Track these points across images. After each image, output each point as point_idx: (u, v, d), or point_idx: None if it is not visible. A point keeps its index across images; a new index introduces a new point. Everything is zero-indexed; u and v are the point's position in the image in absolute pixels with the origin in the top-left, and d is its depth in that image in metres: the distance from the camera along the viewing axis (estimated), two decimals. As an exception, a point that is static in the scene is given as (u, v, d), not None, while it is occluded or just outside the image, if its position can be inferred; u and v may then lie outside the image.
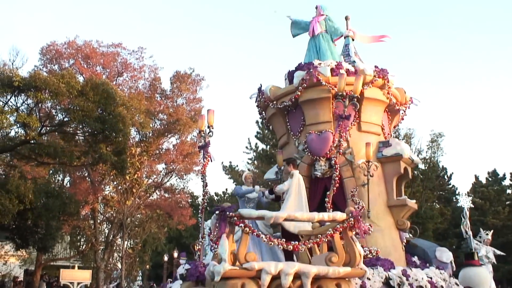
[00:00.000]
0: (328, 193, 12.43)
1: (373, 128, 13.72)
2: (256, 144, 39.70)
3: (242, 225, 8.58)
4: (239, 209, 9.15)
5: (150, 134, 36.40)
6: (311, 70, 13.33)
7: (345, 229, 8.86)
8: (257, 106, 15.50)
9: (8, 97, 24.52)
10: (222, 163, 47.09)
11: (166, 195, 41.14)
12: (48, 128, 26.50)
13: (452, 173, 50.54)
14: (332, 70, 13.44)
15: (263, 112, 15.58)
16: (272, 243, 8.85)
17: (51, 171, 35.83)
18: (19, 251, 34.11)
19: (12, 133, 25.58)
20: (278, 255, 11.68)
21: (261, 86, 14.95)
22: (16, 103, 24.97)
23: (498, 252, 16.63)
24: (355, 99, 12.08)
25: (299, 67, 14.13)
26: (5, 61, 28.90)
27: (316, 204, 12.80)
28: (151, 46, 65.09)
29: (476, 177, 55.32)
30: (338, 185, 12.56)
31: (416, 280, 11.32)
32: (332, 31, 15.06)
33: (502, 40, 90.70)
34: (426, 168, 43.57)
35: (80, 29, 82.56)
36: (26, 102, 25.18)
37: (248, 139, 41.88)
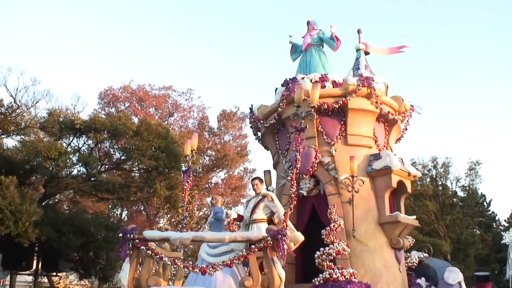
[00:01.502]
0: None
1: (362, 141, 12.43)
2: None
3: (144, 247, 7.95)
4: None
5: (200, 170, 36.97)
6: (290, 85, 12.62)
7: (261, 250, 8.04)
8: (250, 127, 14.86)
9: (71, 139, 26.46)
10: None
11: (216, 226, 41.43)
12: (107, 166, 28.15)
13: (491, 199, 48.59)
14: (315, 82, 12.30)
15: (258, 133, 14.84)
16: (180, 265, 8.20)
17: (110, 206, 37.28)
18: (82, 280, 34.87)
19: (75, 172, 26.90)
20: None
21: (252, 106, 14.26)
22: (78, 144, 26.84)
23: None
24: (312, 110, 10.99)
25: (283, 83, 13.37)
26: (67, 106, 29.66)
27: (305, 224, 12.12)
28: (199, 87, 67.43)
29: (515, 203, 50.59)
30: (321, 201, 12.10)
31: None
32: (328, 42, 14.35)
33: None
34: (465, 195, 43.99)
35: (134, 74, 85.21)
36: (87, 142, 27.00)
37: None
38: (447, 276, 12.30)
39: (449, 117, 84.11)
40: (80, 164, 26.29)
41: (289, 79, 13.05)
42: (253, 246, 7.94)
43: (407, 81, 74.72)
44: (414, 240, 13.19)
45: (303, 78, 12.81)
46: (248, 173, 39.90)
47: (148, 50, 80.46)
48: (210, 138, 38.37)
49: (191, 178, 12.13)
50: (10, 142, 30.01)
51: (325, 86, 12.59)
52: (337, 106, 12.19)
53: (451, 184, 44.67)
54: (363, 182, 11.59)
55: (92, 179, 26.36)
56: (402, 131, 13.85)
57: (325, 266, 10.81)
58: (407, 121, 13.66)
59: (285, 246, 8.12)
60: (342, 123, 12.43)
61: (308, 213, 12.06)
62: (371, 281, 11.07)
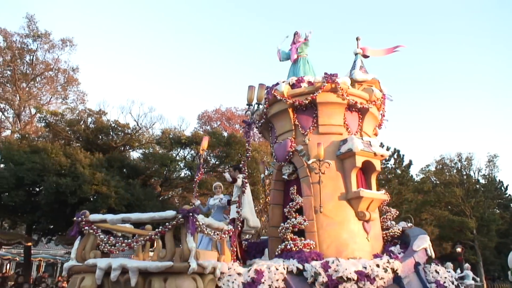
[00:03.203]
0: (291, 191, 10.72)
1: (333, 129, 11.14)
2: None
3: (88, 227, 7.77)
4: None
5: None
6: (269, 89, 11.53)
7: (175, 227, 7.39)
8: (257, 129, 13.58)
9: (179, 150, 27.95)
10: None
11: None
12: (205, 170, 28.21)
13: (508, 184, 48.06)
14: (293, 85, 11.44)
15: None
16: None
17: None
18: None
19: (182, 174, 28.09)
20: None
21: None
22: (184, 153, 28.24)
23: None
24: (258, 106, 9.72)
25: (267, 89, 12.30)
26: (175, 126, 33.93)
27: (289, 203, 10.97)
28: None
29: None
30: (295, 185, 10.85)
31: (336, 271, 8.40)
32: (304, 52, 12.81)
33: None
34: (486, 182, 43.94)
35: (223, 99, 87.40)
36: (190, 152, 28.00)
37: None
38: (414, 243, 10.47)
39: (469, 117, 77.61)
40: (186, 169, 27.71)
41: (273, 85, 11.92)
42: (167, 224, 7.43)
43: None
44: (397, 212, 12.21)
45: (283, 82, 11.76)
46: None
47: (233, 78, 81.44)
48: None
49: (201, 172, 11.89)
50: (135, 154, 31.19)
51: (300, 86, 11.52)
52: (307, 102, 11.23)
53: (474, 174, 44.22)
54: (329, 165, 10.55)
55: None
56: (381, 117, 12.36)
57: (289, 238, 9.80)
58: (383, 108, 12.23)
59: (198, 223, 7.42)
60: (314, 116, 11.40)
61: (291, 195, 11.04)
62: (336, 250, 9.97)
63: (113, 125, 29.35)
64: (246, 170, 9.55)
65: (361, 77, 12.69)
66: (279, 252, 9.66)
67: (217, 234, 8.15)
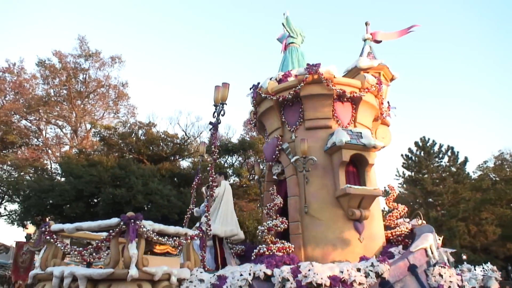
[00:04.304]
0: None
1: (320, 123, 10.13)
2: (403, 171, 36.21)
3: (49, 237, 7.64)
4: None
5: None
6: (254, 87, 10.95)
7: (117, 234, 7.10)
8: (252, 101, 12.18)
9: (227, 157, 28.41)
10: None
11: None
12: (252, 176, 28.51)
13: None
14: (280, 80, 10.78)
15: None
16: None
17: (258, 205, 36.78)
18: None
19: (231, 181, 27.73)
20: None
21: (258, 82, 12.14)
22: (232, 160, 28.83)
23: None
24: (222, 106, 8.96)
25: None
26: (222, 133, 33.71)
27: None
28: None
29: None
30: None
31: (306, 277, 7.42)
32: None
33: None
34: None
35: None
36: (238, 159, 28.83)
37: (397, 168, 39.10)
38: (414, 243, 9.20)
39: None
40: (234, 175, 27.71)
41: (258, 82, 11.16)
42: (111, 231, 7.13)
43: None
44: (406, 208, 10.86)
45: (271, 78, 11.09)
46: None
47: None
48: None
49: (198, 177, 11.32)
50: (185, 163, 31.54)
51: (287, 81, 10.76)
52: (291, 96, 10.39)
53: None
54: (314, 161, 9.66)
55: (244, 185, 27.80)
56: (380, 105, 11.07)
57: (268, 241, 8.93)
58: (380, 95, 10.94)
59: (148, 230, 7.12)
60: (300, 110, 10.54)
61: (283, 195, 10.19)
62: (322, 253, 9.10)
63: (163, 136, 30.43)
64: (214, 174, 9.06)
65: (366, 64, 11.79)
66: (254, 256, 8.95)
67: (175, 240, 7.73)
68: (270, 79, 11.04)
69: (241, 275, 7.71)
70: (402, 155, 36.34)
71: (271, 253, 8.51)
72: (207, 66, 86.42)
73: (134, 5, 77.63)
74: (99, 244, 7.27)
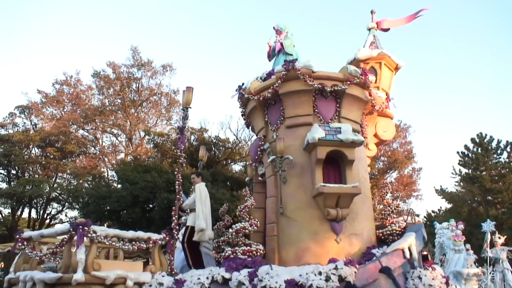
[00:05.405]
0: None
1: (300, 120, 9.71)
2: (460, 169, 34.21)
3: (21, 244, 8.04)
4: None
5: (376, 173, 33.43)
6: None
7: (69, 240, 7.31)
8: (238, 101, 11.46)
9: None
10: (434, 187, 44.67)
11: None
12: None
13: None
14: (264, 79, 10.31)
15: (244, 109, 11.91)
16: None
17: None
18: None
19: None
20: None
21: (242, 83, 11.60)
22: None
23: None
24: (187, 109, 8.73)
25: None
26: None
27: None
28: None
29: None
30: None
31: (261, 280, 7.16)
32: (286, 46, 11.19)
33: None
34: None
35: None
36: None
37: (453, 166, 37.42)
38: (393, 244, 8.62)
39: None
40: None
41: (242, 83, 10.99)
42: (64, 237, 7.39)
43: None
44: (399, 206, 10.56)
45: (256, 78, 10.74)
46: (416, 171, 34.97)
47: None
48: (381, 147, 33.96)
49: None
50: (237, 167, 31.58)
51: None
52: (270, 95, 10.08)
53: None
54: (290, 161, 9.31)
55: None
56: (369, 97, 10.19)
57: (240, 243, 8.77)
58: (367, 87, 10.15)
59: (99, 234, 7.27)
60: (281, 108, 10.20)
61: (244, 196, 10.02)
62: (296, 256, 8.78)
63: (214, 140, 30.77)
64: (180, 178, 8.91)
65: (364, 54, 11.36)
66: (221, 259, 8.82)
67: (133, 245, 7.87)
68: (256, 79, 10.79)
69: (198, 278, 7.67)
70: (458, 152, 34.45)
71: (234, 256, 8.31)
72: (256, 68, 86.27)
73: (182, 11, 79.10)
74: (54, 249, 7.67)
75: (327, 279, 7.31)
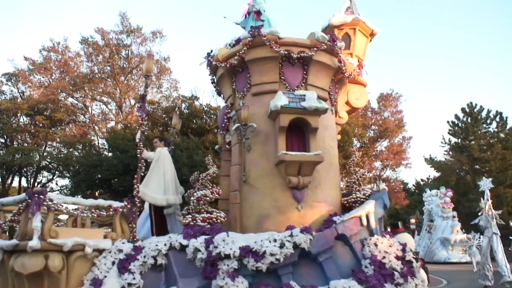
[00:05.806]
0: None
1: (265, 87, 9.57)
2: (449, 138, 34.29)
3: None
4: None
5: (367, 141, 33.43)
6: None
7: (26, 208, 7.24)
8: (207, 68, 11.23)
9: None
10: (424, 156, 46.39)
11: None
12: None
13: None
14: (233, 46, 10.09)
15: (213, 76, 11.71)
16: None
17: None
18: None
19: None
20: None
21: (211, 50, 11.44)
22: None
23: None
24: (147, 77, 8.56)
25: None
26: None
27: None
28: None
29: None
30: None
31: (216, 247, 7.21)
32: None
33: None
34: None
35: None
36: None
37: (442, 135, 37.57)
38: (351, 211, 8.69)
39: None
40: None
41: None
42: (20, 206, 7.30)
43: None
44: (365, 173, 10.48)
45: (225, 45, 10.53)
46: (406, 140, 34.90)
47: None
48: (373, 116, 34.41)
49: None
50: None
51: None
52: (237, 62, 9.90)
53: None
54: (253, 129, 9.28)
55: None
56: (338, 63, 9.97)
57: (203, 211, 8.66)
58: (336, 53, 9.90)
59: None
60: (248, 76, 10.03)
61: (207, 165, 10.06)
62: (257, 223, 8.84)
63: (206, 109, 30.49)
64: (142, 145, 8.84)
65: (338, 20, 11.19)
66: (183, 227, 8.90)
67: (93, 212, 7.89)
68: (225, 45, 10.63)
69: (156, 245, 7.77)
70: (448, 121, 34.63)
71: (194, 224, 8.33)
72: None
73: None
74: (13, 217, 7.70)
75: (282, 246, 7.40)
